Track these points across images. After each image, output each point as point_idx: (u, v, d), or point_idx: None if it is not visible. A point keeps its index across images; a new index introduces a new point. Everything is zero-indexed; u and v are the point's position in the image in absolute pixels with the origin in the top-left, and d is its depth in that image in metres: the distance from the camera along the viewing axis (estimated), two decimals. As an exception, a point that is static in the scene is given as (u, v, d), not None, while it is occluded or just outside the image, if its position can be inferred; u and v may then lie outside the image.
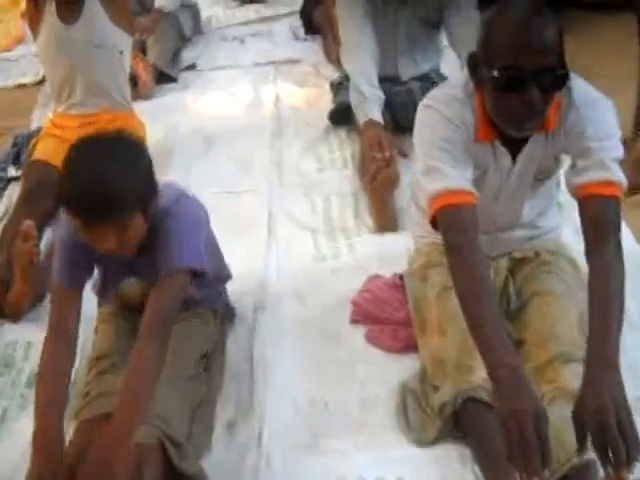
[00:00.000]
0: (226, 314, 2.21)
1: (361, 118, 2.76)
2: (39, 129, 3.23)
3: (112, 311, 2.05)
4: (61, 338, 1.79)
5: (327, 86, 3.62)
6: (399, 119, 3.11)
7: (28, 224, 2.31)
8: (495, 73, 1.63)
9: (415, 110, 2.72)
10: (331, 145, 3.21)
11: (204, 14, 4.75)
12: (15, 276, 2.36)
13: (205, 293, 2.07)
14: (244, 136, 3.34)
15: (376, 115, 2.73)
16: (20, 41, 4.85)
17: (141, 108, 3.54)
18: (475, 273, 1.67)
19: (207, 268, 1.85)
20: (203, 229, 1.91)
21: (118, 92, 2.94)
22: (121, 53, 2.90)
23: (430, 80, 3.16)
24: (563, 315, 1.87)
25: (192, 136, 3.36)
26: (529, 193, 1.94)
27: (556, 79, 1.63)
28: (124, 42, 2.91)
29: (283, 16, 4.74)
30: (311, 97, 3.62)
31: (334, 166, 3.06)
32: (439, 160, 1.76)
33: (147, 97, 3.74)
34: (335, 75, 3.74)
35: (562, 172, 1.91)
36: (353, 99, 2.84)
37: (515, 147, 1.83)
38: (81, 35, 2.78)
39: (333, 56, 3.86)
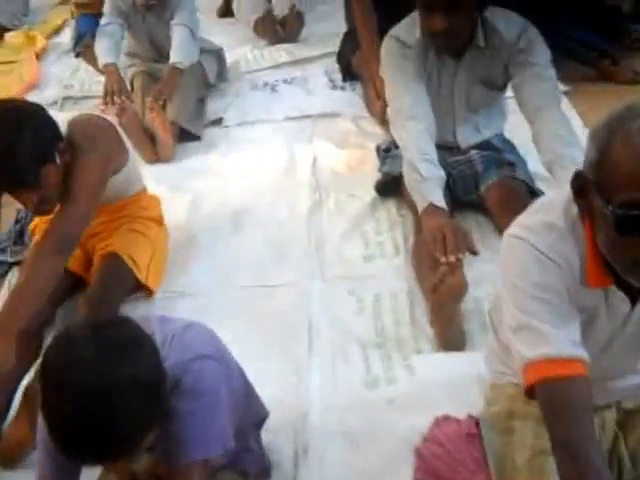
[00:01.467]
0: (260, 473, 1.78)
1: (420, 202, 2.31)
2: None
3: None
4: None
5: (370, 144, 3.23)
6: (458, 194, 2.70)
7: None
8: (616, 210, 1.20)
9: (476, 183, 2.44)
10: (379, 223, 2.79)
11: (230, 56, 4.34)
12: (17, 412, 2.00)
13: (232, 454, 1.63)
14: (278, 211, 2.93)
15: (438, 199, 2.29)
16: (33, 86, 4.47)
17: (161, 173, 3.17)
18: (590, 475, 1.26)
19: (231, 445, 1.44)
20: (226, 402, 1.46)
21: (124, 193, 2.52)
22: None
23: (493, 148, 2.75)
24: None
25: (218, 212, 2.94)
26: None
27: None
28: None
29: (317, 58, 4.31)
30: (353, 160, 3.19)
31: (383, 252, 2.62)
32: (536, 315, 1.33)
33: (167, 160, 3.33)
34: (378, 131, 3.35)
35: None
36: (408, 179, 2.40)
37: (635, 290, 1.38)
38: None
39: (375, 110, 3.44)
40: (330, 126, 3.51)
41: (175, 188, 3.10)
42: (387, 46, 2.51)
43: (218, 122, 3.69)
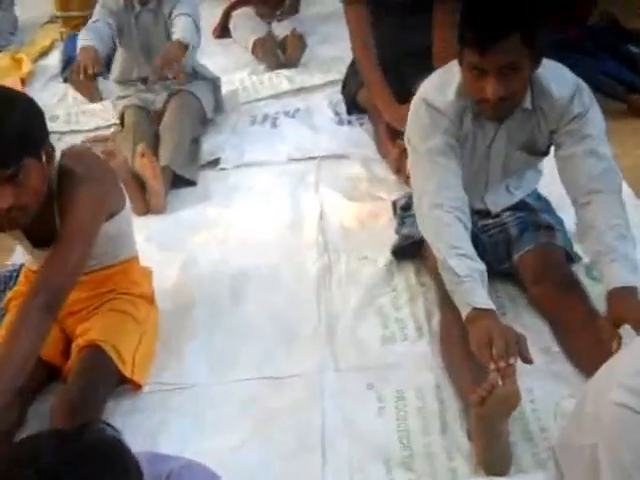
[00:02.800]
0: None
1: (461, 307, 1.96)
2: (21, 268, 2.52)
3: None
4: None
5: (382, 193, 2.96)
6: (489, 262, 2.34)
7: None
8: None
9: (509, 250, 2.34)
10: (397, 294, 2.47)
11: (227, 83, 4.03)
12: None
13: None
14: (282, 275, 2.60)
15: (481, 300, 1.93)
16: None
17: (150, 227, 2.86)
18: None
19: None
20: None
21: (112, 253, 2.21)
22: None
23: (528, 208, 2.44)
24: None
25: (214, 277, 2.61)
26: None
27: None
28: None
29: (321, 87, 3.99)
30: (364, 214, 2.87)
31: (404, 333, 2.30)
32: None
33: (159, 211, 3.01)
34: (390, 177, 3.05)
35: None
36: (445, 278, 2.06)
37: None
38: None
39: (389, 156, 3.13)
40: (337, 170, 3.19)
41: (166, 247, 2.79)
42: (416, 112, 2.17)
43: (215, 163, 3.35)
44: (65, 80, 4.23)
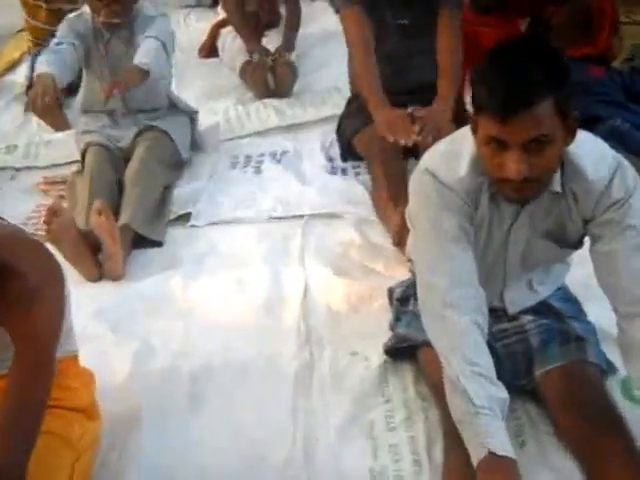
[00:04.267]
0: None
1: (473, 448, 1.54)
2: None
3: None
4: None
5: (378, 265, 2.58)
6: (504, 377, 1.89)
7: None
8: None
9: (529, 364, 1.89)
10: (391, 409, 2.02)
11: (208, 113, 3.61)
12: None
13: None
14: (253, 376, 2.16)
15: (501, 445, 1.52)
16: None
17: (102, 301, 2.42)
18: None
19: None
20: None
21: None
22: None
23: (553, 312, 2.00)
24: None
25: (172, 373, 2.16)
26: None
27: None
28: None
29: (312, 124, 3.54)
30: (355, 295, 2.42)
31: (399, 469, 1.85)
32: None
33: (115, 278, 2.57)
34: (388, 246, 2.62)
35: None
36: (452, 402, 1.64)
37: None
38: None
39: (389, 223, 2.69)
40: (327, 234, 2.75)
41: (119, 327, 2.35)
42: (420, 187, 1.75)
43: (185, 217, 2.91)
44: (26, 108, 3.79)
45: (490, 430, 1.53)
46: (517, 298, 1.96)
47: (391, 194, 2.67)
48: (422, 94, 2.94)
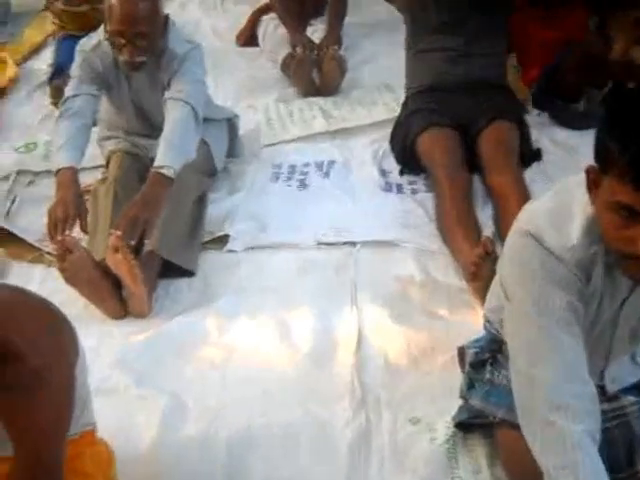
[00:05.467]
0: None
1: None
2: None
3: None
4: None
5: (443, 309, 2.28)
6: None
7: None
8: None
9: (631, 453, 1.60)
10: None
11: (247, 112, 3.26)
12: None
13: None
14: (299, 449, 1.84)
15: None
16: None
17: (125, 346, 2.12)
18: None
19: None
20: None
21: None
22: None
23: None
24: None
25: (204, 447, 1.85)
26: None
27: None
28: None
29: (363, 130, 3.19)
30: (416, 347, 2.09)
31: None
32: None
33: (140, 315, 2.25)
34: (457, 284, 2.31)
35: None
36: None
37: None
38: None
39: (455, 249, 2.34)
40: (382, 266, 2.40)
41: (143, 380, 2.04)
42: (521, 253, 1.43)
43: (223, 240, 2.57)
44: (52, 102, 3.47)
45: None
46: (619, 374, 1.66)
47: (463, 218, 2.34)
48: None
